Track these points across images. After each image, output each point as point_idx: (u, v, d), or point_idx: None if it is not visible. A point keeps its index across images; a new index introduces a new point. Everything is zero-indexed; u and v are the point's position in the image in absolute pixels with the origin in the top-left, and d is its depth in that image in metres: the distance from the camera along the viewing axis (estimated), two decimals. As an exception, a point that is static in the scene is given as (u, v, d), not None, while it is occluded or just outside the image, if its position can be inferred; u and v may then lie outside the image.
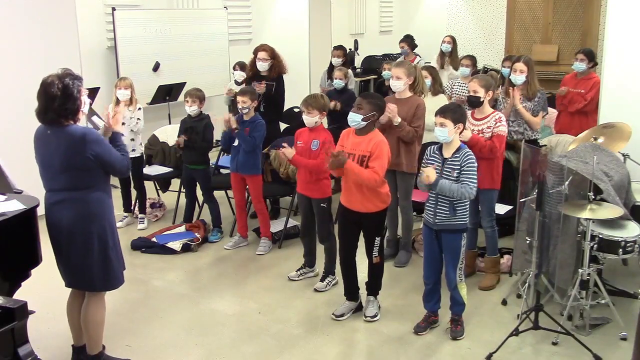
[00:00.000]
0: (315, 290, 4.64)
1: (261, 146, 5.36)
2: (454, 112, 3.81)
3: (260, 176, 5.35)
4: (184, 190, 5.89)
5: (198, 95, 5.53)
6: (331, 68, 7.14)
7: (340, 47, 7.29)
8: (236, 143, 5.24)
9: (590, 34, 10.56)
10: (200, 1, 8.82)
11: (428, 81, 5.46)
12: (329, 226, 4.64)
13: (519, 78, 4.95)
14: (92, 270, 3.38)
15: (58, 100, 3.21)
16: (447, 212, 3.82)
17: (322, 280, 4.69)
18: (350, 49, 10.31)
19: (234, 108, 6.23)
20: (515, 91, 4.92)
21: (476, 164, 3.80)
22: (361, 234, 4.22)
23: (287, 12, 9.40)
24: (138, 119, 5.75)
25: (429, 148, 3.99)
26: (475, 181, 3.76)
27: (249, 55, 6.33)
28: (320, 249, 4.81)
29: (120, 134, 3.59)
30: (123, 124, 5.71)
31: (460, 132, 3.88)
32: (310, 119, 4.57)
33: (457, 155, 3.81)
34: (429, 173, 3.72)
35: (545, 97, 5.10)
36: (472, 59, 6.66)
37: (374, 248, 4.14)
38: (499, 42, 11.67)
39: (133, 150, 5.81)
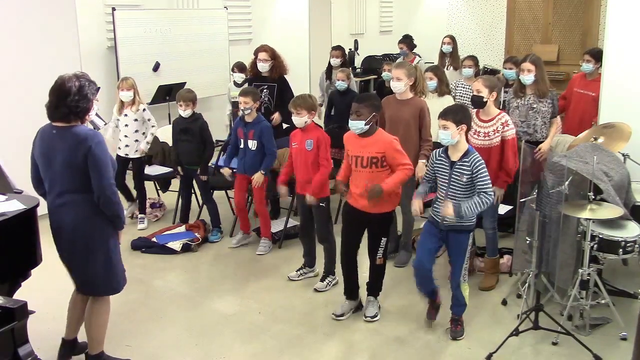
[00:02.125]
0: (315, 290, 4.64)
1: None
2: (455, 114, 3.77)
3: (265, 177, 5.34)
4: (181, 191, 5.90)
5: (190, 98, 5.51)
6: (329, 69, 7.12)
7: (338, 48, 7.23)
8: (242, 145, 5.24)
9: (590, 34, 10.56)
10: (200, 1, 8.82)
11: (434, 82, 5.45)
12: (327, 226, 4.64)
13: (527, 78, 4.92)
14: (95, 275, 3.38)
15: (72, 96, 3.22)
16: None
17: (322, 280, 4.69)
18: (350, 49, 10.31)
19: (235, 113, 6.24)
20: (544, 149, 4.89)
21: (486, 167, 3.77)
22: (363, 234, 4.21)
23: (287, 12, 9.40)
24: (148, 119, 5.80)
25: (434, 152, 3.96)
26: (490, 184, 3.75)
27: (249, 56, 6.32)
28: (320, 249, 4.81)
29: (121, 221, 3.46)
30: (126, 125, 5.76)
31: (466, 132, 3.85)
32: (299, 119, 4.58)
33: (466, 159, 3.76)
34: (447, 210, 3.71)
35: (557, 98, 5.08)
36: (474, 59, 6.62)
37: (379, 249, 4.13)
38: (499, 42, 11.68)
39: (136, 151, 5.83)
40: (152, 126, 5.87)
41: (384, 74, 6.86)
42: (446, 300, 4.09)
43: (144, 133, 5.84)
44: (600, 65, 6.02)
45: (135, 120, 5.75)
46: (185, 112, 5.51)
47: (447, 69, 7.48)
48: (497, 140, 4.43)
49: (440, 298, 4.13)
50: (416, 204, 3.94)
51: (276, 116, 6.02)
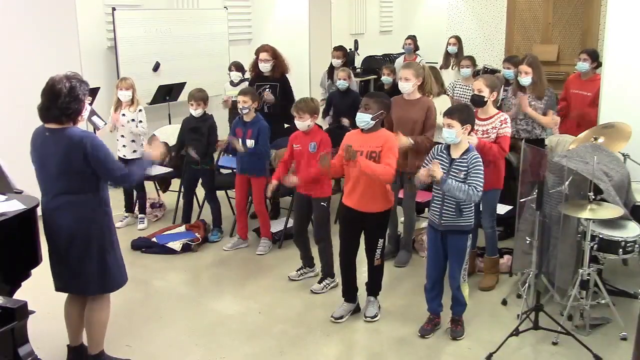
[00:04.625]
0: (312, 292, 4.62)
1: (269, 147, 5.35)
2: (461, 113, 3.79)
3: (264, 178, 5.33)
4: (183, 190, 5.89)
5: (202, 97, 5.52)
6: (331, 69, 7.12)
7: (340, 48, 7.25)
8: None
9: (590, 34, 10.57)
10: (200, 1, 8.82)
11: None
12: (326, 226, 4.61)
13: (524, 80, 4.93)
14: (88, 275, 3.38)
15: (63, 98, 3.22)
16: (454, 214, 3.80)
17: (319, 282, 4.67)
18: (350, 49, 10.31)
19: (233, 112, 6.21)
20: (523, 97, 4.90)
21: (483, 167, 3.77)
22: (360, 235, 4.20)
23: (287, 12, 9.40)
24: (140, 121, 5.74)
25: (435, 147, 3.96)
26: (482, 184, 3.73)
27: (249, 56, 6.31)
28: (316, 250, 4.78)
29: (151, 162, 3.67)
30: (123, 125, 5.74)
31: (469, 133, 3.86)
32: (302, 123, 4.57)
33: (466, 157, 3.77)
34: (436, 169, 3.68)
35: (555, 96, 5.07)
36: (472, 59, 6.63)
37: (377, 250, 4.12)
38: (499, 42, 11.68)
39: (134, 151, 5.80)
40: (142, 128, 5.73)
41: (383, 78, 6.84)
42: (446, 299, 4.09)
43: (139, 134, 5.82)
44: (597, 66, 6.04)
45: (133, 120, 5.73)
46: (196, 111, 5.52)
47: (452, 69, 7.49)
48: (493, 138, 4.42)
49: (441, 320, 4.12)
50: (435, 167, 3.73)
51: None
